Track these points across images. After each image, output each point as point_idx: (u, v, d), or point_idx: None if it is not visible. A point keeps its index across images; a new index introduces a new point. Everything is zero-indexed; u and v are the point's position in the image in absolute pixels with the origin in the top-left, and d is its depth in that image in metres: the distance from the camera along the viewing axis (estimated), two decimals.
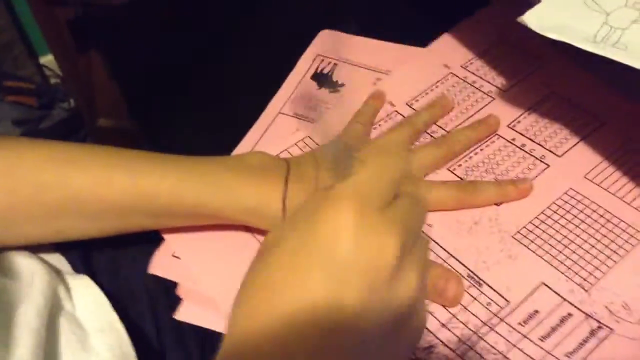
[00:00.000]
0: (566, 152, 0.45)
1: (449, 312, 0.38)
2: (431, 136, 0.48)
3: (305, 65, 0.55)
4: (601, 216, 0.41)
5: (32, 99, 1.19)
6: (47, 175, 0.37)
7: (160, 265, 0.42)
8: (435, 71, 0.52)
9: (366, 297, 0.24)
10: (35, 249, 0.41)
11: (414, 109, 0.50)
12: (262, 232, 0.43)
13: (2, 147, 0.38)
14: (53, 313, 0.36)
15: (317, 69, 0.54)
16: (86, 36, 0.63)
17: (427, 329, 0.37)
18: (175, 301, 0.41)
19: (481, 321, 0.37)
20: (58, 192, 0.37)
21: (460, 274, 0.39)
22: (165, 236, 0.43)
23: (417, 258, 0.27)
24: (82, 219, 0.39)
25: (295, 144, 0.49)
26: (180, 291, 0.41)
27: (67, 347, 0.35)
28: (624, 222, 0.40)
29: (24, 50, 1.30)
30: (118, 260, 0.45)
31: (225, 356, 0.26)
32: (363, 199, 0.25)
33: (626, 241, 0.39)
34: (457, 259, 0.40)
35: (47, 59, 1.35)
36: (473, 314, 0.37)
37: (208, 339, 0.40)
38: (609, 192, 0.42)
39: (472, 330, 0.37)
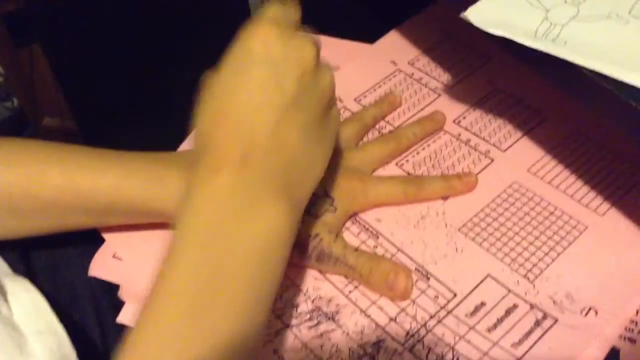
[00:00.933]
0: (510, 146, 0.46)
1: (398, 306, 0.38)
2: (379, 132, 0.48)
3: None
4: (544, 209, 0.41)
5: None
6: None
7: (101, 266, 0.41)
8: (383, 68, 0.53)
9: (299, 86, 0.31)
10: None
11: (362, 105, 0.50)
12: None
13: None
14: None
15: None
16: (25, 31, 0.60)
17: (375, 322, 0.37)
18: (119, 300, 0.39)
19: (429, 314, 0.37)
20: None
21: (408, 268, 0.39)
22: (106, 236, 0.42)
23: (325, 69, 0.33)
24: (16, 217, 0.37)
25: None
26: (123, 293, 0.40)
27: (3, 351, 0.33)
28: (566, 214, 0.41)
29: None
30: (59, 260, 0.43)
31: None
32: (278, 20, 0.32)
33: (568, 233, 0.40)
34: (405, 253, 0.40)
35: None
36: (421, 307, 0.37)
37: None
38: (552, 185, 0.43)
39: (420, 324, 0.37)
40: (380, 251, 0.40)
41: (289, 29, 0.32)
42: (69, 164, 0.37)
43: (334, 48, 0.54)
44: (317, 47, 0.33)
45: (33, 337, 0.35)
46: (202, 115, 0.31)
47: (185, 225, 0.30)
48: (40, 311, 0.36)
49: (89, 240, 0.41)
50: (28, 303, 0.37)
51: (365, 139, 0.47)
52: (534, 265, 0.39)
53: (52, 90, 0.86)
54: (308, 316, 0.38)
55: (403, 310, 0.38)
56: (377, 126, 0.48)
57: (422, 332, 0.36)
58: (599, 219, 0.40)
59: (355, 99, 0.51)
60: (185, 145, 0.48)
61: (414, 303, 0.38)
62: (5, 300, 0.36)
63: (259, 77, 0.31)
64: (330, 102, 0.34)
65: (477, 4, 0.39)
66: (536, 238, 0.40)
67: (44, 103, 0.95)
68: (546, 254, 0.39)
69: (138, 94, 0.57)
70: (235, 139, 0.30)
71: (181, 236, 0.29)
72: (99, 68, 0.59)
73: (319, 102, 0.33)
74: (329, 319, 0.38)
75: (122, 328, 0.39)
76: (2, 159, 0.37)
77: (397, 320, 0.37)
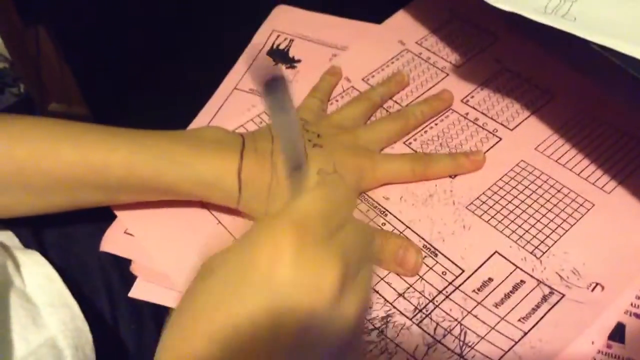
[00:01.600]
0: (517, 125, 0.46)
1: (406, 282, 0.38)
2: (387, 111, 0.48)
3: (261, 40, 0.54)
4: (551, 186, 0.42)
5: None
6: None
7: (112, 242, 0.42)
8: (391, 47, 0.53)
9: (303, 329, 0.24)
10: None
11: (370, 85, 0.50)
12: (216, 207, 0.42)
13: None
14: (2, 288, 0.34)
15: (273, 44, 0.54)
16: (30, 8, 0.61)
17: (384, 298, 0.37)
18: (130, 276, 0.40)
19: (437, 290, 0.37)
20: (2, 165, 0.36)
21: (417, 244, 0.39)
22: (118, 213, 0.42)
23: (359, 289, 0.26)
24: (29, 193, 0.38)
25: (251, 120, 0.48)
26: (135, 269, 0.41)
27: (17, 323, 0.34)
28: (573, 191, 0.41)
29: None
30: (70, 237, 0.44)
31: None
32: (305, 229, 0.24)
33: (575, 210, 0.40)
34: (413, 231, 0.41)
35: None
36: (429, 283, 0.38)
37: (163, 313, 0.39)
38: (559, 163, 0.43)
39: (428, 299, 0.37)
40: (388, 228, 0.41)
41: (316, 242, 0.24)
42: (81, 140, 0.37)
43: (342, 28, 0.55)
44: (368, 275, 0.26)
45: (46, 310, 0.36)
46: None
47: None
48: (52, 284, 0.37)
49: (100, 217, 0.41)
50: (41, 276, 0.37)
51: (373, 118, 0.47)
52: (541, 242, 0.39)
53: (59, 75, 0.86)
54: None
55: (411, 286, 0.38)
56: (385, 105, 0.48)
57: (430, 307, 0.37)
58: (606, 197, 0.41)
59: (363, 79, 0.51)
60: (196, 123, 0.48)
61: (422, 279, 0.38)
62: (19, 272, 0.37)
63: (252, 305, 0.23)
64: (349, 342, 0.26)
65: None
66: (543, 215, 0.40)
67: (50, 88, 0.95)
68: (553, 231, 0.39)
69: (147, 75, 0.58)
70: None
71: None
72: (107, 48, 0.59)
73: (329, 347, 0.25)
74: None
75: (133, 304, 0.40)
76: (14, 136, 0.37)
77: (405, 295, 0.38)
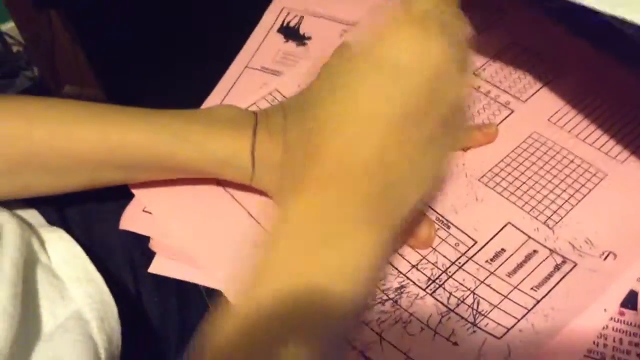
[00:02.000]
0: (530, 97, 0.46)
1: (419, 253, 0.39)
2: None
3: (271, 18, 0.55)
4: (564, 157, 0.42)
5: None
6: (9, 129, 0.37)
7: (131, 220, 0.42)
8: None
9: (418, 98, 0.27)
10: (7, 204, 0.40)
11: None
12: (231, 184, 0.43)
13: None
14: (28, 265, 0.36)
15: (283, 22, 0.54)
16: None
17: (397, 269, 0.38)
18: (151, 252, 0.41)
19: (450, 261, 0.38)
20: (20, 146, 0.37)
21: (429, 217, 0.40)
22: (135, 192, 0.43)
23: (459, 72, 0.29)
24: (48, 173, 0.38)
25: (263, 98, 0.49)
26: (153, 245, 0.42)
27: (45, 297, 0.35)
28: (586, 162, 0.41)
29: None
30: (93, 215, 0.45)
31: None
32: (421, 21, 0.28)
33: (589, 180, 0.40)
34: (425, 203, 0.41)
35: (9, 27, 1.31)
36: (442, 255, 0.38)
37: (185, 287, 0.40)
38: (572, 134, 0.43)
39: (441, 270, 0.38)
40: None
41: (431, 26, 0.28)
42: (98, 120, 0.38)
43: (351, 4, 0.54)
44: (456, 49, 0.29)
45: (72, 284, 0.37)
46: (296, 122, 0.29)
47: (272, 249, 0.28)
48: (77, 259, 0.38)
49: (121, 196, 0.42)
50: (65, 251, 0.38)
51: None
52: (554, 212, 0.39)
53: (72, 58, 0.87)
54: None
55: (424, 257, 0.39)
56: None
57: (443, 277, 0.37)
58: (619, 166, 0.41)
59: None
60: (209, 102, 0.49)
61: (435, 251, 0.39)
62: (44, 249, 0.38)
63: (371, 84, 0.27)
64: (457, 114, 0.30)
65: None
66: (556, 186, 0.40)
67: (63, 71, 0.96)
68: (566, 201, 0.39)
69: (159, 56, 0.58)
70: (328, 154, 0.27)
71: (267, 260, 0.27)
72: (120, 30, 0.60)
73: (439, 116, 0.28)
74: None
75: (156, 278, 0.41)
76: (31, 117, 0.38)
77: (419, 267, 0.38)
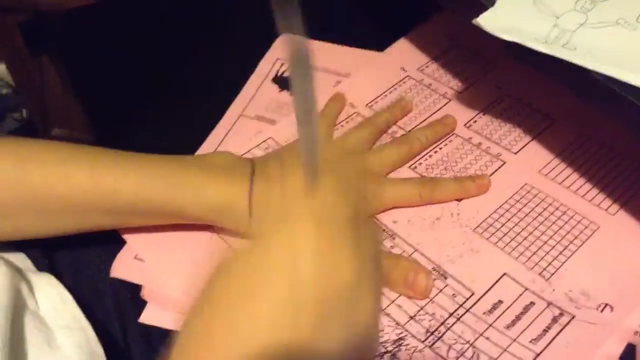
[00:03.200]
0: (521, 149, 0.47)
1: (417, 304, 0.38)
2: (391, 137, 0.49)
3: (266, 68, 0.55)
4: (557, 209, 0.42)
5: None
6: (5, 172, 0.36)
7: (123, 268, 0.42)
8: (393, 74, 0.54)
9: (325, 318, 0.23)
10: None
11: (374, 111, 0.51)
12: (226, 231, 0.42)
13: None
14: (17, 311, 0.34)
15: (277, 72, 0.55)
16: (39, 39, 0.61)
17: (395, 321, 0.38)
18: (141, 299, 0.40)
19: (448, 312, 0.38)
20: (16, 189, 0.36)
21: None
22: (127, 238, 0.42)
23: (374, 282, 0.25)
24: (41, 216, 0.38)
25: (258, 146, 0.49)
26: (145, 294, 0.41)
27: (33, 345, 0.34)
28: (578, 214, 0.42)
29: None
30: (82, 260, 0.44)
31: None
32: (324, 224, 0.24)
33: (581, 232, 0.41)
34: (421, 253, 0.41)
35: None
36: (440, 306, 0.38)
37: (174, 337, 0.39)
38: (563, 186, 0.44)
39: (439, 321, 0.37)
40: (397, 251, 0.41)
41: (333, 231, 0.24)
42: (92, 164, 0.38)
43: (345, 56, 0.56)
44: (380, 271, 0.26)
45: (60, 332, 0.35)
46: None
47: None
48: (66, 305, 0.37)
49: (110, 240, 0.41)
50: (54, 298, 0.37)
51: (378, 144, 0.48)
52: (549, 263, 0.39)
53: (61, 100, 0.86)
54: None
55: (422, 308, 0.38)
56: (389, 131, 0.49)
57: (442, 329, 0.37)
58: (611, 218, 0.41)
59: (367, 105, 0.51)
60: (203, 149, 0.49)
61: (432, 301, 0.38)
62: (32, 295, 0.37)
63: (275, 301, 0.23)
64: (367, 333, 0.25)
65: (489, 11, 0.40)
66: (550, 237, 0.41)
67: (53, 113, 0.95)
68: (560, 253, 0.40)
69: (154, 100, 0.58)
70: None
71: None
72: (114, 75, 0.60)
73: (350, 335, 0.24)
74: None
75: (145, 327, 0.39)
76: (27, 160, 0.37)
77: (417, 318, 0.38)
